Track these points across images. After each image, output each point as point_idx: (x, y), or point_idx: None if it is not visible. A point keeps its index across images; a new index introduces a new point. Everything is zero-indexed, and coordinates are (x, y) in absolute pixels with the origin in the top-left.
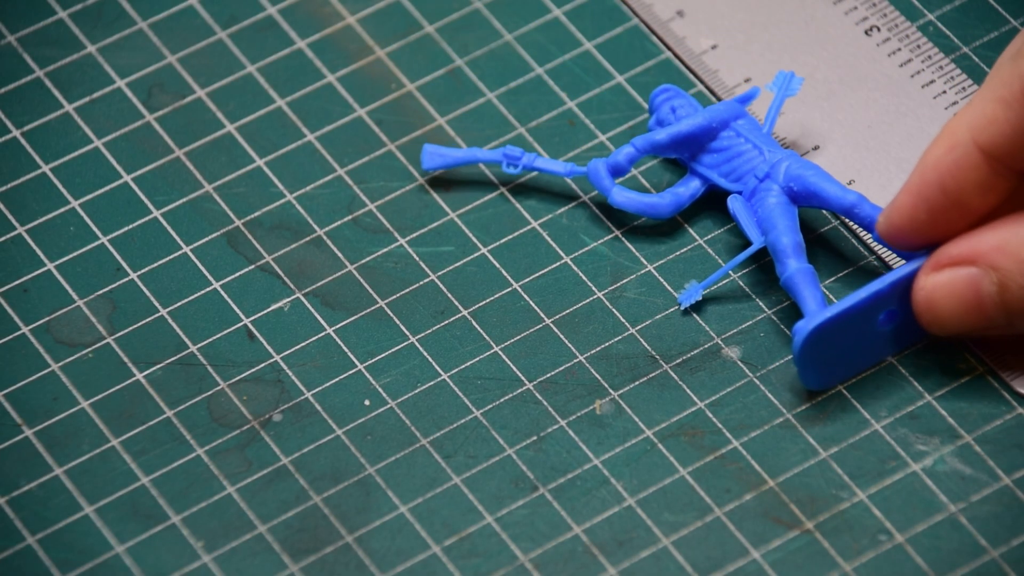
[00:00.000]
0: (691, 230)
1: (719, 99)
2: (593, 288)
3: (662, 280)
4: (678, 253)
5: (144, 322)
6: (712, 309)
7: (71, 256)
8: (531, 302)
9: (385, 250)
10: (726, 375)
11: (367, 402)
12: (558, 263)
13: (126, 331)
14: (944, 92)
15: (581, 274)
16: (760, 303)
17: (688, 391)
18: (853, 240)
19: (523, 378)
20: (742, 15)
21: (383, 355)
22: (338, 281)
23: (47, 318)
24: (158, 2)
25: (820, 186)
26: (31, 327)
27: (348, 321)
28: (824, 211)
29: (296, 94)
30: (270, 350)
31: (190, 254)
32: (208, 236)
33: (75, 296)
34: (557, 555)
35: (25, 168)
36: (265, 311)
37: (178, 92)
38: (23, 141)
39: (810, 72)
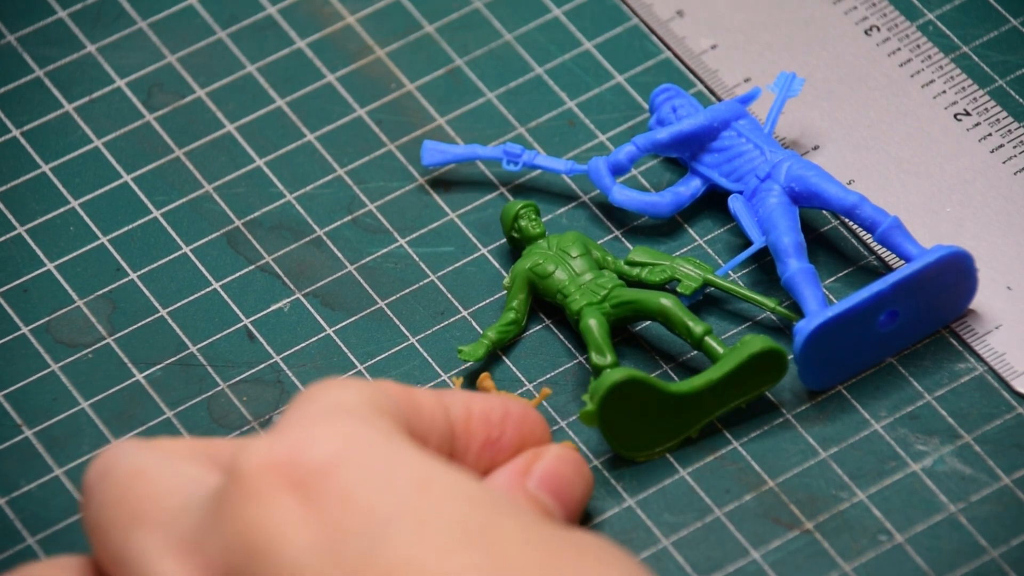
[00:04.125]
0: (691, 230)
1: (719, 99)
2: None
3: None
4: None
5: (144, 322)
6: (712, 309)
7: (71, 256)
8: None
9: (385, 250)
10: None
11: None
12: None
13: (126, 331)
14: (944, 92)
15: None
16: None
17: None
18: (853, 240)
19: (523, 378)
20: (742, 15)
21: (383, 356)
22: (338, 281)
23: (47, 318)
24: (158, 2)
25: (821, 187)
26: (31, 327)
27: (348, 322)
28: (824, 211)
29: (296, 94)
30: (270, 351)
31: (190, 254)
32: (208, 236)
33: (75, 296)
34: None
35: (25, 168)
36: (265, 311)
37: (178, 92)
38: (23, 141)
39: (810, 72)
